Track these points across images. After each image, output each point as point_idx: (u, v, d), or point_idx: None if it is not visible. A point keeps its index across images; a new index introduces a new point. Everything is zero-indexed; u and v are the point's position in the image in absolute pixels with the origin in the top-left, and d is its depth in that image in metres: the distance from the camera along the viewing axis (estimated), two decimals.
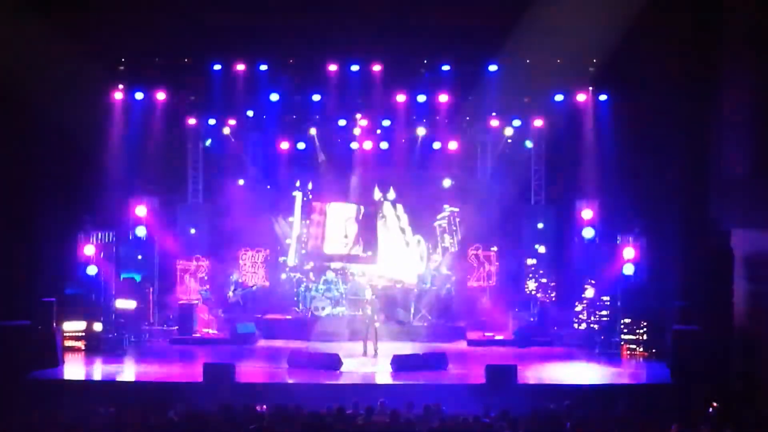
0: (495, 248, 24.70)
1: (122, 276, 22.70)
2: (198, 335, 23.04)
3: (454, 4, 20.94)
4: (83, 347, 21.15)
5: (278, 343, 22.45)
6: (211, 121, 24.23)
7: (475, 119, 24.19)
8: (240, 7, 20.58)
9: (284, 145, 24.88)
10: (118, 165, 22.31)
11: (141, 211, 23.17)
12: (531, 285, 23.96)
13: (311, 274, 24.73)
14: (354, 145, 24.79)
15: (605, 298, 22.20)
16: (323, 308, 23.81)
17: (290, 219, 25.25)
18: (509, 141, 24.77)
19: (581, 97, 22.82)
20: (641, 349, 21.24)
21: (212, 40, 21.58)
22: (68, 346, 20.76)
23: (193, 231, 24.52)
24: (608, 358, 20.92)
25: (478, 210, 24.38)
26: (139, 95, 22.76)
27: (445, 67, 22.54)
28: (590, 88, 22.65)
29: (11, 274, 19.98)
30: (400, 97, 23.22)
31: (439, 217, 25.11)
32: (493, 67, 22.40)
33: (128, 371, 19.95)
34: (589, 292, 22.69)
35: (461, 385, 18.28)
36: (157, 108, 22.99)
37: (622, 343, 21.40)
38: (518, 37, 20.74)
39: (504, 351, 21.65)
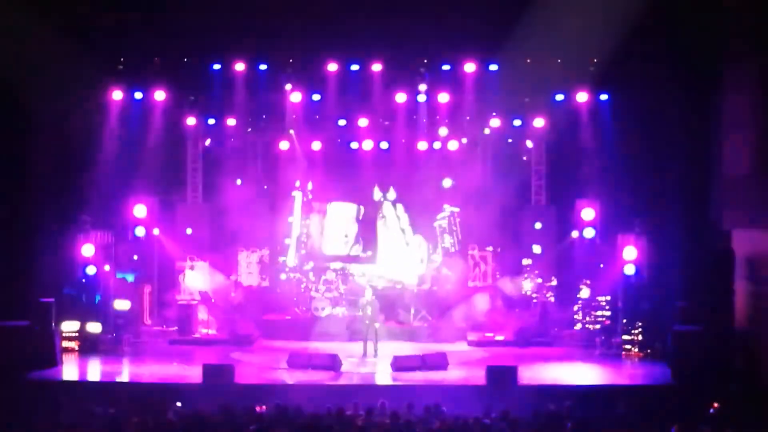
0: (490, 248, 24.76)
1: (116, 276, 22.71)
2: (197, 336, 23.02)
3: (454, 4, 20.92)
4: (76, 348, 21.04)
5: (278, 343, 22.43)
6: (211, 121, 24.22)
7: (475, 119, 24.15)
8: (240, 7, 20.56)
9: (284, 145, 24.87)
10: (117, 165, 22.28)
11: (140, 211, 23.14)
12: (526, 285, 23.92)
13: (311, 275, 24.72)
14: (354, 145, 24.78)
15: (601, 298, 22.20)
16: (323, 308, 23.79)
17: (290, 219, 25.24)
18: (509, 141, 24.75)
19: (582, 97, 22.78)
20: (642, 350, 21.20)
21: (212, 39, 21.56)
22: (66, 347, 20.70)
23: (189, 231, 24.47)
24: (609, 359, 20.90)
25: (478, 210, 24.36)
26: (138, 95, 22.74)
27: (445, 67, 22.49)
28: (591, 88, 22.61)
29: (10, 275, 19.96)
30: (400, 97, 23.18)
31: (439, 217, 25.09)
32: (493, 67, 22.37)
33: (127, 372, 19.90)
34: (584, 293, 22.68)
35: (461, 385, 18.23)
36: (156, 108, 22.97)
37: (623, 343, 21.38)
38: (518, 36, 20.72)
39: (504, 352, 21.61)
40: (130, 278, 22.95)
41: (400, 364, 19.26)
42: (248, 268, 24.95)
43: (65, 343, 20.85)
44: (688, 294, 19.91)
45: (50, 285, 20.89)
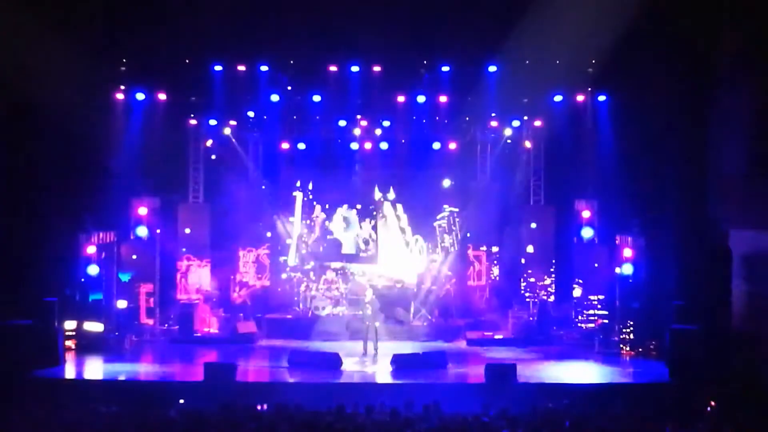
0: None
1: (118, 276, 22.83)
2: (199, 335, 23.13)
3: (454, 4, 20.99)
4: (75, 346, 21.14)
5: (278, 342, 22.53)
6: (212, 122, 24.31)
7: (474, 119, 24.25)
8: (240, 8, 20.63)
9: (284, 145, 25.00)
10: (119, 165, 22.34)
11: (142, 211, 23.26)
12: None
13: (311, 274, 24.82)
14: (354, 146, 24.88)
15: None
16: (323, 308, 23.90)
17: (291, 219, 25.35)
18: (509, 141, 24.86)
19: (580, 98, 22.88)
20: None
21: (213, 40, 21.60)
22: (69, 346, 20.82)
23: (187, 231, 24.50)
24: (607, 358, 20.99)
25: (477, 210, 24.46)
26: (140, 96, 22.79)
27: (445, 68, 22.59)
28: (589, 89, 22.69)
29: (14, 274, 20.04)
30: (400, 98, 23.27)
31: (439, 217, 25.19)
32: (492, 68, 22.45)
33: (129, 370, 20.01)
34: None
35: (461, 384, 18.37)
36: (158, 108, 23.02)
37: (621, 342, 21.49)
38: (518, 37, 20.77)
39: (503, 350, 21.72)
40: (126, 277, 23.03)
41: (399, 363, 19.36)
42: (249, 268, 25.04)
43: (68, 342, 20.98)
44: (686, 293, 19.98)
45: (53, 284, 20.99)
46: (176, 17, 20.58)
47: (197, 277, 24.29)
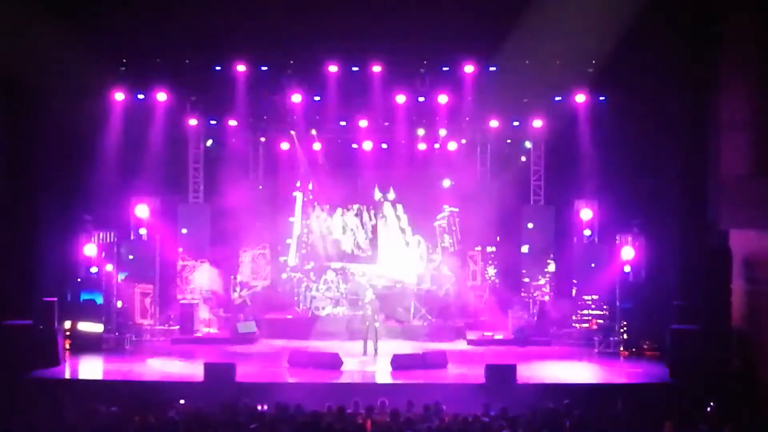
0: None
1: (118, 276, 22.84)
2: (199, 335, 23.13)
3: (454, 4, 21.00)
4: (70, 347, 21.12)
5: (279, 342, 22.55)
6: (212, 122, 24.32)
7: (474, 119, 24.25)
8: (241, 8, 20.64)
9: (284, 145, 24.99)
10: (119, 165, 22.37)
11: (142, 211, 23.24)
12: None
13: (311, 274, 24.83)
14: (354, 146, 24.88)
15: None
16: (323, 308, 23.91)
17: (291, 219, 25.35)
18: (508, 141, 24.85)
19: (580, 98, 22.84)
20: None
21: (213, 40, 21.64)
22: (68, 346, 20.83)
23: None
24: (607, 358, 21.01)
25: (477, 210, 24.47)
26: (140, 96, 22.82)
27: (445, 68, 22.59)
28: (589, 89, 22.68)
29: (13, 274, 20.05)
30: (400, 98, 23.27)
31: (438, 217, 25.22)
32: (492, 68, 22.45)
33: (129, 370, 20.00)
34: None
35: (461, 384, 18.36)
36: (158, 108, 23.02)
37: (621, 342, 21.49)
38: (517, 37, 20.78)
39: (503, 350, 21.72)
40: (121, 277, 23.01)
41: (400, 363, 19.37)
42: (249, 268, 25.04)
43: (68, 342, 20.99)
44: (686, 293, 20.01)
45: (53, 284, 21.01)
46: (176, 17, 20.60)
47: (197, 278, 24.26)
